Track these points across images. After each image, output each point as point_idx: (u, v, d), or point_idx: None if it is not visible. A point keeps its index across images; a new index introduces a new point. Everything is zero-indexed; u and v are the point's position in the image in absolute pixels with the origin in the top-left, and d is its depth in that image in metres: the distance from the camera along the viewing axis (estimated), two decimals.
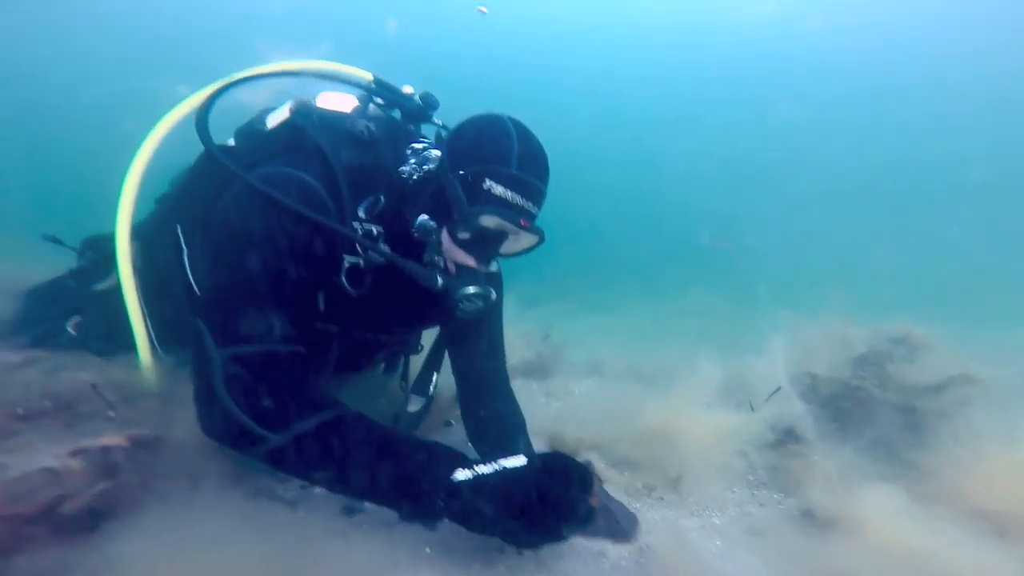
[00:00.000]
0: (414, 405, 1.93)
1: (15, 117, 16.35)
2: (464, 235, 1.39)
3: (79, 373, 1.52)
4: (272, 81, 1.77)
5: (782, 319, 2.77)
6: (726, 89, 18.80)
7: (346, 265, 1.46)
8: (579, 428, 2.07)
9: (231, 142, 1.70)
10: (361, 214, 1.46)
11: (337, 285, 1.46)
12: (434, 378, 1.97)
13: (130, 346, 1.55)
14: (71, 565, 1.02)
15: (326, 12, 14.05)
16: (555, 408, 2.63)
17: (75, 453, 1.20)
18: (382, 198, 1.48)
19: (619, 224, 18.73)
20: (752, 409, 2.05)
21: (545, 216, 1.49)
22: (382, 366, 2.04)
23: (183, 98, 1.74)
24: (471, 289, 1.39)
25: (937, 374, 1.96)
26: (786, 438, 1.96)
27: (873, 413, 1.97)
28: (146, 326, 1.56)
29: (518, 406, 1.86)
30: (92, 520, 1.15)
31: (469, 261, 1.42)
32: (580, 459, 1.24)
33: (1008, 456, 1.52)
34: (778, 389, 2.08)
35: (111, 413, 1.41)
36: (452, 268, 1.43)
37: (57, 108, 16.86)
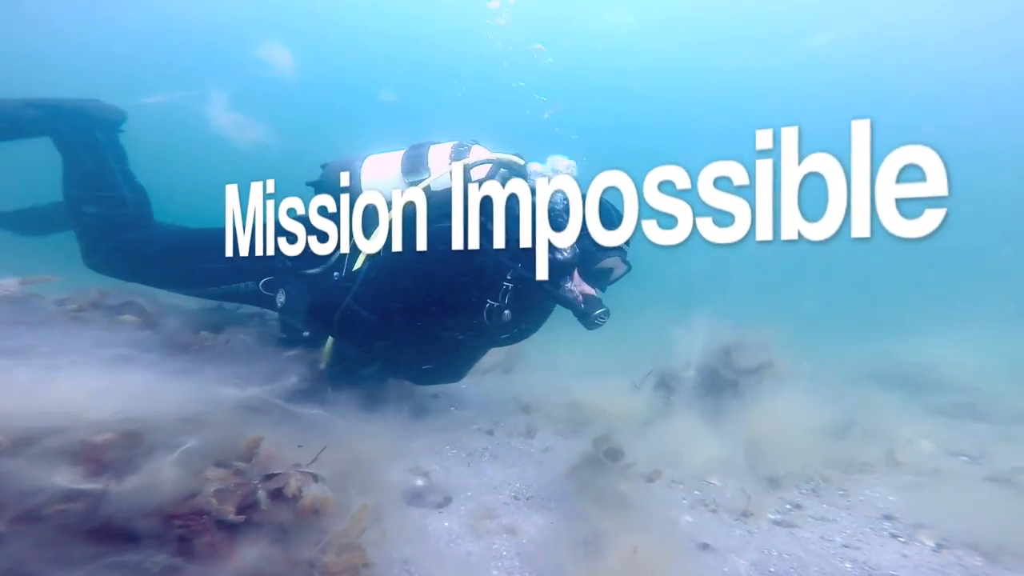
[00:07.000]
0: None
1: None
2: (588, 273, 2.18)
3: None
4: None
5: (698, 323, 3.90)
6: None
7: (487, 305, 2.22)
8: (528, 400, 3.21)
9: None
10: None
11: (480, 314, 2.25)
12: None
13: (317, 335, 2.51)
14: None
15: None
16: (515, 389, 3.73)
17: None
18: None
19: None
20: (637, 387, 3.21)
21: None
22: None
23: None
24: (602, 310, 2.14)
25: (756, 361, 3.14)
26: (668, 396, 3.12)
27: (719, 384, 3.14)
28: None
29: None
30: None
31: (592, 291, 2.19)
32: None
33: (769, 409, 2.71)
34: (650, 372, 3.25)
35: None
36: (579, 296, 2.17)
37: None
